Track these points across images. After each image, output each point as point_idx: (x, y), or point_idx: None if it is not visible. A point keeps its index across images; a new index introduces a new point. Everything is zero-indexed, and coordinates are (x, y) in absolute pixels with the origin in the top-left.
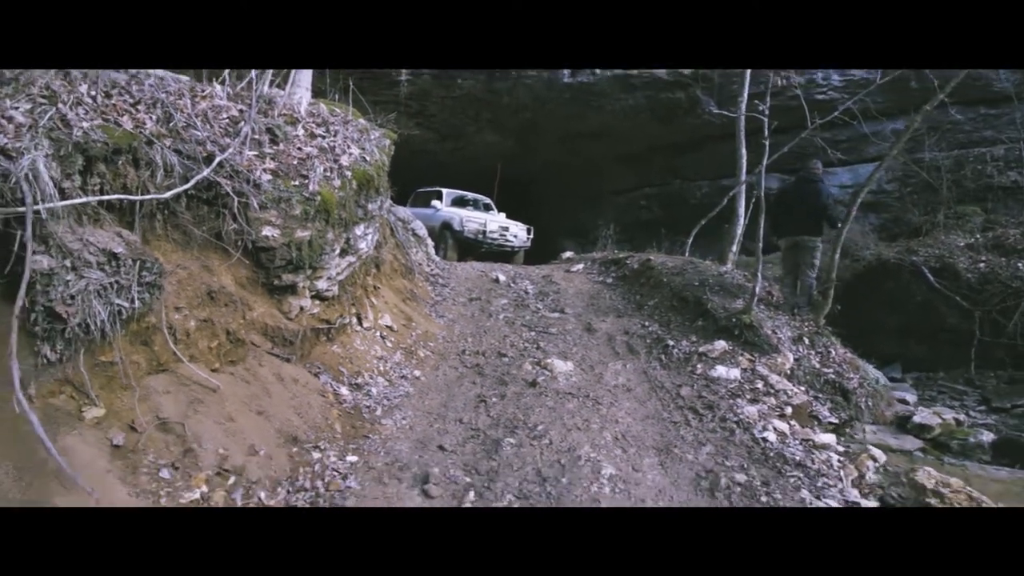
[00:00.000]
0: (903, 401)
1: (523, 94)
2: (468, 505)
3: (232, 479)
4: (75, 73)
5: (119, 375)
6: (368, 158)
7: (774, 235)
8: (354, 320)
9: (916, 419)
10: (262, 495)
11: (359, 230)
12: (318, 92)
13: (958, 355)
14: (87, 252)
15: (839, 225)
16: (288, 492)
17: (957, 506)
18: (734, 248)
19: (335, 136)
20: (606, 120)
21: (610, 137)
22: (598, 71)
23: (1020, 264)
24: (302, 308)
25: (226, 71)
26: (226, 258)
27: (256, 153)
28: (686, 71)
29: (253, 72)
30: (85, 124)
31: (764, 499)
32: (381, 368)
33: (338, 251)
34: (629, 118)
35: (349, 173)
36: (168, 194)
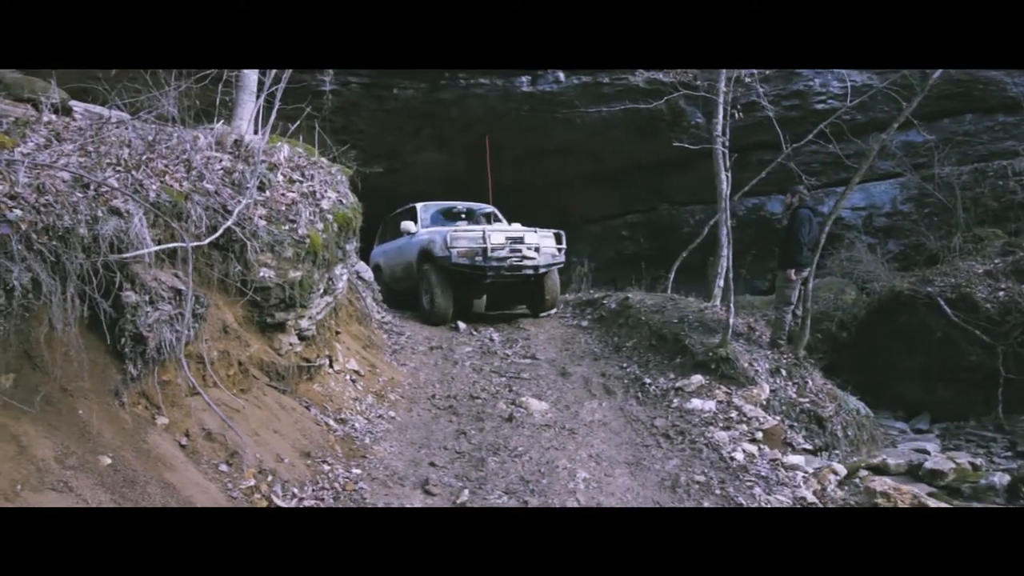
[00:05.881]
0: (923, 451)
1: (474, 106)
2: (464, 500)
3: (270, 477)
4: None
5: (172, 393)
6: (344, 201)
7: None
8: (326, 363)
9: (928, 465)
10: (295, 490)
11: (337, 270)
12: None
13: (986, 397)
14: (160, 289)
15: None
16: (313, 490)
17: (903, 506)
18: (719, 282)
19: (312, 180)
20: (574, 135)
21: (581, 155)
22: (562, 78)
23: None
24: (290, 345)
25: (219, 122)
26: (228, 298)
27: (252, 201)
28: (665, 78)
29: (258, 137)
30: (155, 186)
31: (718, 492)
32: (358, 408)
33: (321, 291)
34: (601, 133)
35: (330, 216)
36: (206, 240)
